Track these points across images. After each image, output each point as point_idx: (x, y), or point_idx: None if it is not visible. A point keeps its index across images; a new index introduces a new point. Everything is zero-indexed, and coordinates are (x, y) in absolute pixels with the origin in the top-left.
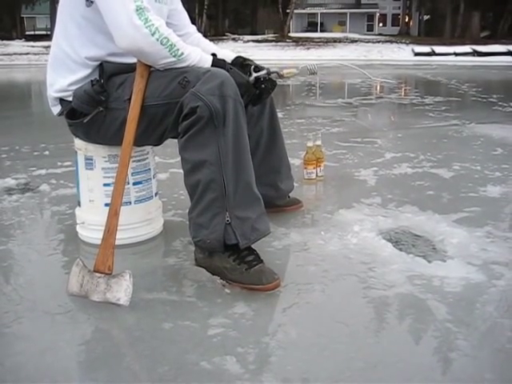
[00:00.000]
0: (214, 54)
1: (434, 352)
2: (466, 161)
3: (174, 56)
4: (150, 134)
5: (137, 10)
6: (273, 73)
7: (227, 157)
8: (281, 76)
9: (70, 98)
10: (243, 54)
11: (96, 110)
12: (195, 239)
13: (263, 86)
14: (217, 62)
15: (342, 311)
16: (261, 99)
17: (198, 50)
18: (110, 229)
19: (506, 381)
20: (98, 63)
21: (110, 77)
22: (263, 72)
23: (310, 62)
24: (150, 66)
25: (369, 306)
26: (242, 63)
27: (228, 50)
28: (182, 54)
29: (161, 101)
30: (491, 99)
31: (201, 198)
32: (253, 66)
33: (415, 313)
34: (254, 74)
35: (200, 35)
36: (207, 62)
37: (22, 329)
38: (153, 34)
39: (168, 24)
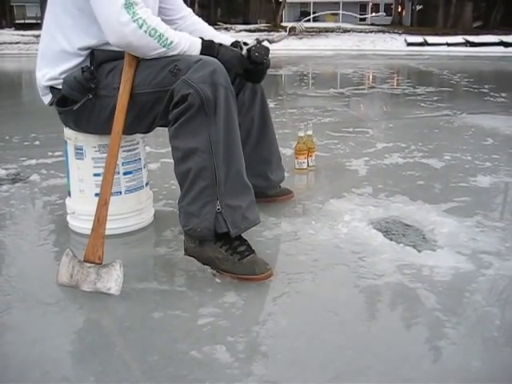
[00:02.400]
0: (201, 38)
1: (422, 341)
2: (457, 151)
3: (164, 46)
4: (140, 121)
5: (125, 5)
6: (263, 41)
7: (218, 145)
8: (271, 42)
9: (61, 86)
10: None
11: (86, 98)
12: (185, 228)
13: (257, 54)
14: (205, 45)
15: (332, 300)
16: (257, 74)
17: (186, 36)
18: (100, 219)
19: (494, 369)
20: (89, 51)
21: (100, 64)
22: (253, 43)
23: (298, 24)
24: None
25: (359, 295)
26: (233, 43)
27: (227, 36)
28: (172, 42)
29: (151, 89)
30: (483, 90)
31: (191, 187)
32: (242, 42)
33: (405, 302)
34: (245, 47)
35: (198, 18)
36: (197, 45)
37: (12, 319)
38: (140, 27)
39: (163, 8)
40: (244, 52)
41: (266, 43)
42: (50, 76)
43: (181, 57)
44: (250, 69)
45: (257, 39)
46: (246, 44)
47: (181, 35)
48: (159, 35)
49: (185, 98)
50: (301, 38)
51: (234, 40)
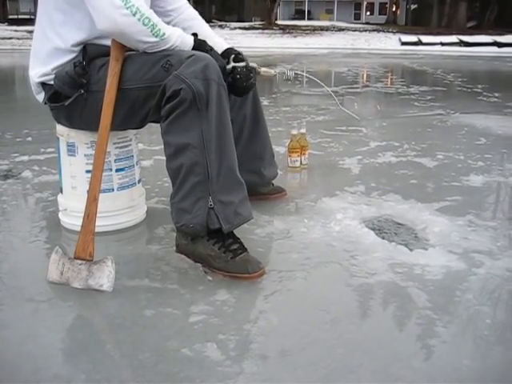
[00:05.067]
0: (194, 34)
1: (413, 339)
2: (450, 150)
3: (156, 36)
4: (132, 117)
5: None
6: (252, 68)
7: (210, 140)
8: (257, 73)
9: (52, 82)
10: (230, 42)
11: (77, 93)
12: (178, 224)
13: (238, 76)
14: (198, 43)
15: (324, 298)
16: (236, 91)
17: (178, 31)
18: (90, 215)
19: (484, 367)
20: (82, 47)
21: (92, 59)
22: (242, 64)
23: (289, 70)
24: (125, 50)
25: (350, 293)
26: (226, 52)
27: (222, 40)
28: (164, 34)
29: (143, 84)
30: (476, 89)
31: (184, 182)
32: (233, 56)
33: (396, 300)
34: (232, 63)
35: (194, 12)
36: (189, 42)
37: (2, 316)
38: (134, 15)
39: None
40: (229, 67)
41: (253, 69)
42: (43, 72)
43: (173, 52)
44: (229, 83)
45: (246, 62)
46: (236, 59)
47: (173, 29)
48: (152, 25)
49: (177, 93)
50: (295, 37)
51: (228, 47)
